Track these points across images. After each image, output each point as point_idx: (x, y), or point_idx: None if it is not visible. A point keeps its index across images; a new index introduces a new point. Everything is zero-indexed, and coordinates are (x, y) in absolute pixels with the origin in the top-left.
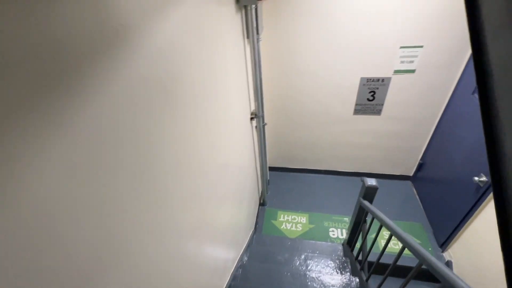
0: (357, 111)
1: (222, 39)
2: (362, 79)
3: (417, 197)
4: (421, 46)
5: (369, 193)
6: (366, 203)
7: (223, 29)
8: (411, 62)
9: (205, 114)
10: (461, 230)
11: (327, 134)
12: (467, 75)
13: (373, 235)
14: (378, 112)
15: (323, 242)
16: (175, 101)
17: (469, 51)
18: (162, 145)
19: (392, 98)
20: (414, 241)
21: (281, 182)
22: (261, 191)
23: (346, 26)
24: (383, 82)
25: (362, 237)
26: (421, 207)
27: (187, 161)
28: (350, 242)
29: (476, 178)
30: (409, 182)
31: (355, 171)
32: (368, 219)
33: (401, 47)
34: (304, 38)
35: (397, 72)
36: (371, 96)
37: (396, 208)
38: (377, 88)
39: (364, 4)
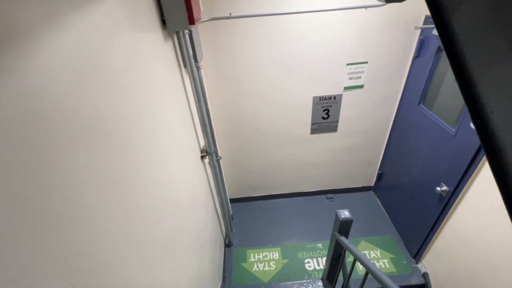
0: (314, 130)
1: (155, 71)
2: (314, 98)
3: (382, 207)
4: (366, 62)
5: (344, 227)
6: (343, 239)
7: (153, 60)
8: (359, 78)
9: (146, 155)
10: (432, 240)
11: (287, 157)
12: (410, 86)
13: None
14: (334, 129)
15: (302, 281)
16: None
17: (408, 64)
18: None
19: (345, 114)
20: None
21: (246, 214)
22: (225, 231)
23: (292, 48)
24: (335, 99)
25: (344, 277)
26: (388, 217)
27: (124, 210)
28: (330, 277)
29: (438, 189)
30: (371, 192)
31: (319, 189)
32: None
33: (348, 64)
34: (251, 61)
35: (347, 88)
36: (325, 114)
37: (363, 222)
38: (331, 106)
39: (307, 25)
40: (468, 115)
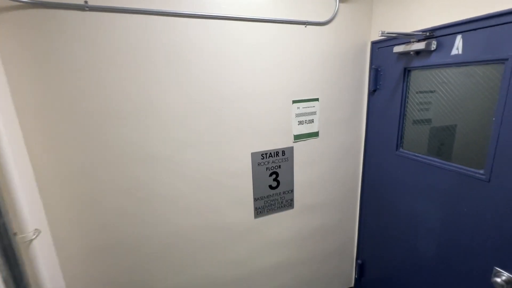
0: (259, 211)
1: None
2: (254, 156)
3: None
4: (317, 99)
5: None
6: None
7: None
8: (311, 121)
9: None
10: None
11: (220, 271)
12: (376, 128)
13: None
14: (289, 203)
15: None
16: None
17: (364, 101)
18: None
19: (301, 177)
20: None
21: None
22: None
23: (212, 76)
24: (284, 155)
25: None
26: None
27: None
28: None
29: (498, 280)
30: None
31: None
32: None
33: (294, 102)
34: (133, 97)
35: (298, 138)
36: (274, 181)
37: None
38: (279, 167)
39: (233, 42)
40: (507, 142)
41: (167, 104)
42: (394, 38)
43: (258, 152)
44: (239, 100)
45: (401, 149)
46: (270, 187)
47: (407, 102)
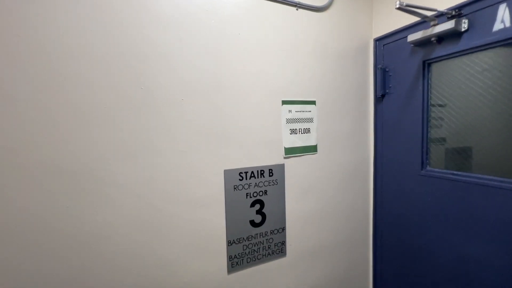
0: (236, 262)
1: None
2: (228, 174)
3: None
4: (313, 102)
5: None
6: None
7: None
8: (307, 131)
9: None
10: None
11: None
12: (389, 142)
13: None
14: (279, 249)
15: None
16: None
17: (370, 108)
18: None
19: (296, 209)
20: None
21: None
22: None
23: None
24: (272, 176)
25: None
26: None
27: None
28: None
29: None
30: None
31: None
32: None
33: (285, 103)
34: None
35: (290, 152)
36: (257, 214)
37: None
38: (265, 193)
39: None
40: None
41: (82, 87)
42: (405, 29)
43: (235, 169)
44: (207, 92)
45: (428, 168)
46: (253, 223)
47: (430, 104)
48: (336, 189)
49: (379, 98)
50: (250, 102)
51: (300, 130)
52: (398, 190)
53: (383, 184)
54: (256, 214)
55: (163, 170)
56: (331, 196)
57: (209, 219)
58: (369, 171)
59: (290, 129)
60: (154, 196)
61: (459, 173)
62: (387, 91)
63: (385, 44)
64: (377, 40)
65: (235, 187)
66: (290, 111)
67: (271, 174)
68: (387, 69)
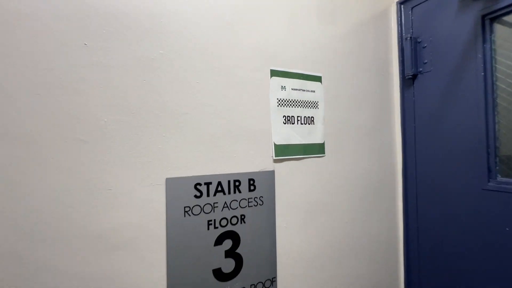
0: None
1: None
2: (172, 184)
3: None
4: (318, 79)
5: None
6: None
7: None
8: (310, 121)
9: None
10: None
11: None
12: (437, 147)
13: None
14: None
15: None
16: None
17: (396, 98)
18: None
19: (293, 241)
20: None
21: None
22: None
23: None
24: (254, 190)
25: None
26: None
27: None
28: None
29: None
30: None
31: None
32: None
33: (275, 74)
34: None
35: (283, 152)
36: (226, 258)
37: None
38: (242, 220)
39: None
40: None
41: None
42: None
43: (187, 179)
44: (129, 37)
45: (498, 178)
46: (219, 274)
47: (495, 82)
48: (355, 212)
49: (408, 80)
50: (216, 65)
51: (299, 118)
52: (445, 214)
53: (419, 205)
54: (225, 258)
55: (33, 179)
56: (347, 223)
57: (134, 272)
58: (396, 184)
59: (284, 116)
60: (10, 232)
61: None
62: (420, 69)
63: (414, 6)
64: (402, 3)
65: (187, 210)
66: (283, 87)
67: (252, 187)
68: (419, 40)
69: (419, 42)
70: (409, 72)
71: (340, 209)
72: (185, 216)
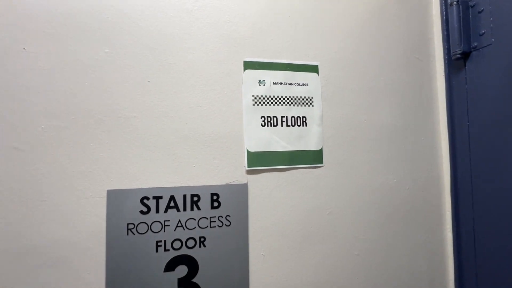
0: None
1: None
2: (114, 197)
3: None
4: (315, 68)
5: None
6: None
7: None
8: (300, 122)
9: None
10: None
11: None
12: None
13: None
14: None
15: None
16: None
17: (440, 87)
18: None
19: (273, 281)
20: None
21: None
22: None
23: None
24: (219, 208)
25: None
26: None
27: None
28: None
29: None
30: None
31: None
32: None
33: (249, 66)
34: None
35: (260, 161)
36: None
37: None
38: (201, 243)
39: None
40: None
41: None
42: None
43: (133, 191)
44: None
45: None
46: None
47: None
48: (371, 242)
49: (457, 62)
50: (172, 60)
51: (284, 119)
52: None
53: (477, 237)
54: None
55: None
56: (357, 255)
57: None
58: (442, 207)
59: (262, 117)
60: None
61: None
62: (475, 44)
63: None
64: None
65: (131, 227)
66: (261, 81)
67: (215, 203)
68: (472, 2)
69: (472, 6)
70: (457, 50)
71: (346, 237)
72: (128, 234)
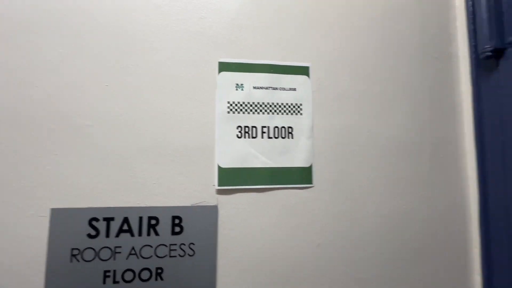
0: None
1: None
2: (59, 217)
3: None
4: (305, 70)
5: None
6: None
7: None
8: (284, 133)
9: None
10: None
11: None
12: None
13: None
14: None
15: None
16: None
17: (466, 94)
18: None
19: None
20: None
21: None
22: None
23: None
24: (181, 233)
25: None
26: None
27: None
28: None
29: None
30: None
31: None
32: None
33: (225, 68)
34: None
35: (234, 180)
36: None
37: None
38: (157, 274)
39: None
40: None
41: None
42: None
43: (79, 210)
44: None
45: None
46: None
47: None
48: (370, 284)
49: (487, 60)
50: (134, 61)
51: (265, 130)
52: None
53: None
54: None
55: None
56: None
57: None
58: (468, 241)
59: (239, 127)
60: None
61: None
62: (504, 41)
63: None
64: None
65: (76, 253)
66: (239, 85)
67: (177, 228)
68: None
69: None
70: (487, 47)
71: (340, 277)
72: (71, 261)
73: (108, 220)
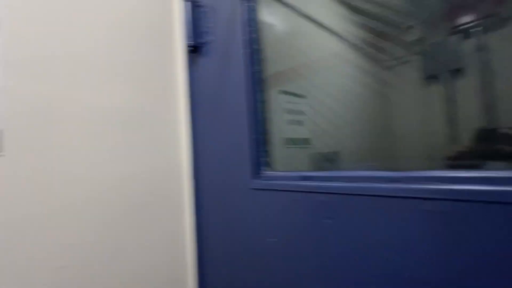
0: None
1: None
2: None
3: None
4: None
5: None
6: None
7: None
8: None
9: None
10: None
11: None
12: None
13: None
14: None
15: None
16: None
17: (180, 74)
18: None
19: None
20: None
21: None
22: None
23: None
24: None
25: None
26: None
27: None
28: None
29: None
30: None
31: None
32: None
33: None
34: None
35: None
36: None
37: None
38: None
39: None
40: None
41: None
42: None
43: None
44: None
45: (266, 172)
46: None
47: (259, 60)
48: (88, 248)
49: (192, 53)
50: None
51: None
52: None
53: (210, 221)
54: None
55: None
56: (67, 269)
57: None
58: (181, 194)
59: None
60: None
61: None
62: (200, 40)
63: None
64: None
65: None
66: None
67: None
68: (198, 2)
69: (197, 6)
70: (190, 43)
71: (47, 247)
72: None
73: None
